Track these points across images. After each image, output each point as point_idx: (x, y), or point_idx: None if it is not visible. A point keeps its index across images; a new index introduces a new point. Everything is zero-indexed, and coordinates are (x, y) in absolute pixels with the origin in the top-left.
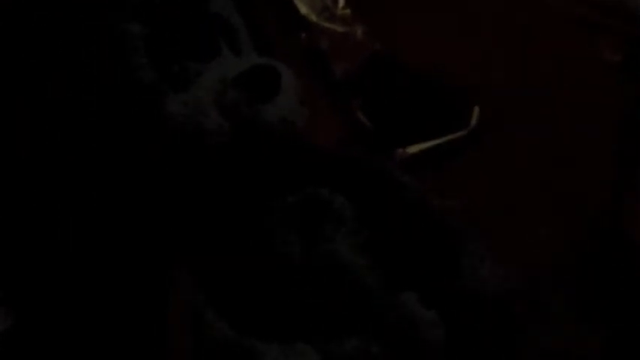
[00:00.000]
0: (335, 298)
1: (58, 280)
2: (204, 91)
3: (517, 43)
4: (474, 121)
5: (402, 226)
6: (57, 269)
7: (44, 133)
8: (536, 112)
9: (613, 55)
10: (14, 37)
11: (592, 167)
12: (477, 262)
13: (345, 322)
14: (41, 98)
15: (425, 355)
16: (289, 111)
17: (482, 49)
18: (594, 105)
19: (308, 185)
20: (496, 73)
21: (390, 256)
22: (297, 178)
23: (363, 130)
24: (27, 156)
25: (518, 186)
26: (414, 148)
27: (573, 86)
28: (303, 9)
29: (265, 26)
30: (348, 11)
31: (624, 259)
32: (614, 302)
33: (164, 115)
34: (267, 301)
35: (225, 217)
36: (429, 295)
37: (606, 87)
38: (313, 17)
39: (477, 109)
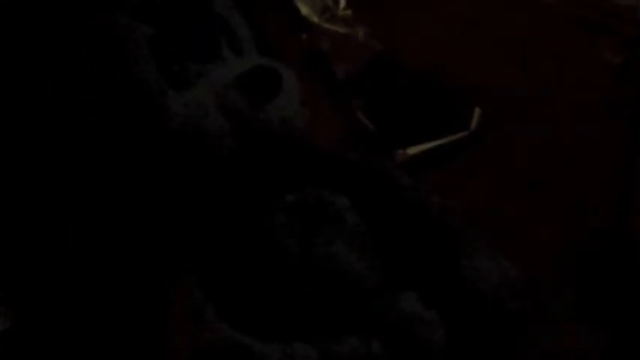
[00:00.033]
0: (335, 298)
1: (57, 280)
2: (205, 92)
3: (517, 43)
4: (474, 121)
5: (402, 227)
6: (57, 269)
7: (44, 133)
8: (536, 112)
9: (613, 55)
10: (14, 37)
11: (592, 167)
12: (477, 262)
13: (345, 322)
14: (41, 98)
15: (425, 355)
16: (290, 112)
17: (482, 50)
18: (594, 105)
19: (308, 186)
20: (496, 74)
21: (390, 256)
22: (298, 179)
23: (364, 130)
24: (27, 156)
25: (519, 186)
26: (414, 149)
27: (573, 86)
28: (304, 10)
29: (266, 27)
30: (349, 12)
31: (624, 259)
32: (615, 302)
33: (165, 116)
34: (266, 300)
35: (226, 218)
36: (429, 295)
37: (606, 87)
38: (314, 18)
39: (477, 110)
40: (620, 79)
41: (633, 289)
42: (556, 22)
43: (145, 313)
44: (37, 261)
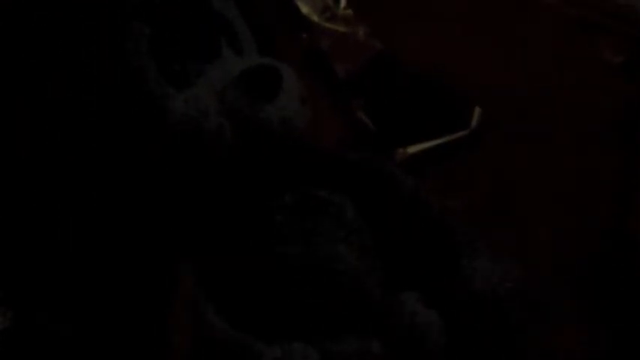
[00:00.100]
0: (335, 297)
1: (57, 280)
2: (205, 91)
3: (517, 43)
4: (474, 121)
5: (402, 226)
6: (57, 269)
7: (44, 133)
8: (536, 112)
9: (613, 55)
10: (14, 37)
11: (592, 167)
12: (477, 262)
13: (345, 322)
14: (41, 98)
15: (425, 355)
16: (290, 111)
17: (482, 50)
18: (594, 105)
19: (308, 185)
20: (497, 74)
21: (390, 256)
22: (298, 178)
23: (364, 130)
24: (27, 156)
25: (518, 186)
26: (414, 148)
27: (573, 87)
28: (305, 9)
29: (267, 26)
30: (349, 11)
31: (624, 259)
32: (615, 302)
33: (165, 115)
34: (267, 300)
35: (226, 217)
36: (429, 294)
37: (606, 87)
38: (314, 17)
39: (477, 110)
40: (621, 79)
41: (633, 289)
42: (556, 22)
43: (145, 313)
44: (37, 261)
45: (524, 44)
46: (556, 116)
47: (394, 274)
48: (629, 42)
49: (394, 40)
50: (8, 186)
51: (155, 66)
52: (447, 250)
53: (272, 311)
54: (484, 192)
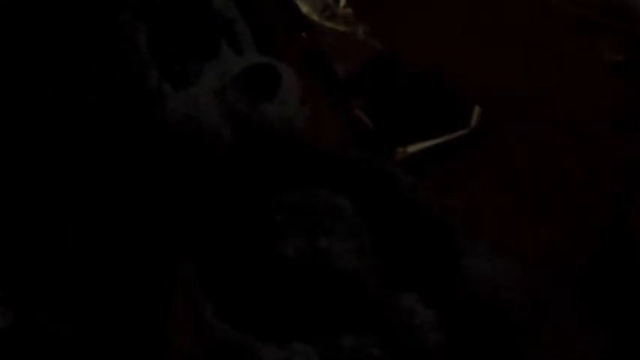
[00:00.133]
0: (334, 297)
1: (57, 280)
2: (204, 90)
3: (517, 43)
4: (474, 120)
5: (402, 226)
6: (57, 269)
7: (44, 133)
8: (536, 112)
9: (613, 55)
10: (14, 37)
11: (592, 167)
12: (476, 262)
13: (345, 322)
14: (41, 98)
15: (425, 356)
16: (289, 111)
17: (482, 49)
18: (595, 105)
19: (308, 185)
20: (496, 73)
21: (390, 255)
22: (298, 178)
23: (364, 129)
24: (27, 156)
25: (518, 186)
26: (414, 148)
27: (574, 86)
28: (304, 8)
29: (266, 25)
30: (349, 10)
31: (624, 259)
32: (615, 302)
33: (164, 114)
34: (267, 300)
35: (226, 217)
36: (429, 295)
37: (606, 87)
38: (314, 16)
39: (477, 109)
40: (621, 79)
41: (633, 289)
42: (556, 22)
43: (145, 313)
44: (37, 261)
45: (524, 44)
46: (556, 116)
47: (394, 274)
48: (629, 41)
49: (394, 39)
50: (8, 186)
51: (155, 65)
52: (447, 250)
53: (272, 311)
54: (484, 191)
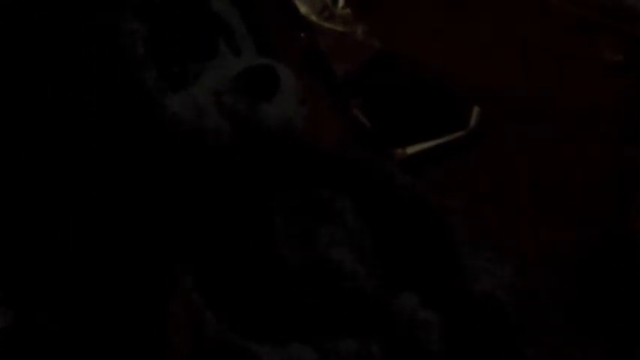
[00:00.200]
0: (334, 298)
1: (57, 280)
2: (203, 91)
3: (517, 43)
4: (473, 121)
5: (401, 226)
6: (57, 269)
7: (44, 133)
8: (536, 112)
9: (613, 55)
10: (14, 37)
11: (592, 167)
12: (476, 263)
13: (345, 323)
14: (41, 98)
15: (425, 356)
16: (288, 111)
17: (482, 50)
18: (594, 105)
19: (308, 185)
20: (496, 73)
21: (390, 256)
22: (297, 178)
23: (362, 129)
24: (27, 156)
25: (519, 186)
26: (413, 148)
27: (574, 86)
28: (303, 8)
29: (265, 26)
30: (347, 11)
31: (624, 259)
32: (615, 302)
33: (164, 115)
34: (266, 301)
35: (226, 218)
36: (428, 295)
37: (606, 87)
38: (313, 17)
39: (476, 109)
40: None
41: (633, 289)
42: (556, 22)
43: (145, 313)
44: (37, 261)
45: (524, 44)
46: (556, 116)
47: (394, 275)
48: (629, 42)
49: (393, 39)
50: (8, 186)
51: (154, 66)
52: (447, 250)
53: (271, 312)
54: (483, 191)
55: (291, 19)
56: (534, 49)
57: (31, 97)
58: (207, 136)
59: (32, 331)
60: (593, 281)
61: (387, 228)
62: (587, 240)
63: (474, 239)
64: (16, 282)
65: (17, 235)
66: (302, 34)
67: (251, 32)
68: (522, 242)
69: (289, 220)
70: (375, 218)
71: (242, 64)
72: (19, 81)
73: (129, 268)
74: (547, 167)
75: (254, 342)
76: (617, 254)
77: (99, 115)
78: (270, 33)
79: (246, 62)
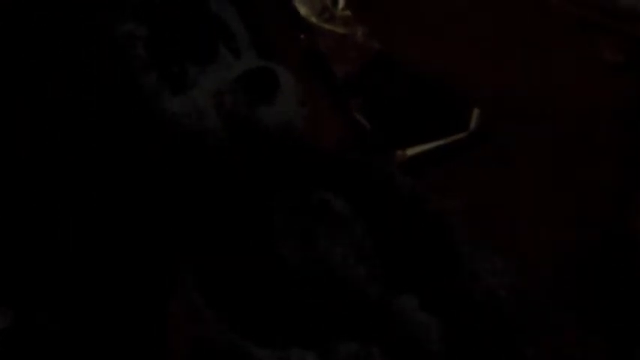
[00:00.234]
0: (334, 299)
1: (57, 280)
2: (203, 93)
3: (517, 43)
4: (473, 122)
5: (401, 228)
6: (57, 269)
7: (44, 133)
8: (536, 112)
9: (613, 55)
10: (14, 37)
11: (592, 167)
12: (476, 264)
13: (344, 325)
14: (41, 98)
15: (425, 357)
16: (288, 113)
17: (482, 51)
18: (594, 105)
19: (308, 187)
20: (497, 74)
21: (390, 258)
22: (297, 180)
23: (362, 131)
24: (27, 156)
25: (519, 186)
26: (413, 150)
27: (573, 86)
28: (303, 10)
29: (265, 28)
30: (347, 12)
31: (624, 259)
32: (615, 302)
33: (163, 116)
34: (266, 302)
35: (225, 219)
36: (429, 296)
37: (606, 87)
38: (313, 18)
39: (476, 111)
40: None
41: (633, 289)
42: (556, 22)
43: (145, 313)
44: (37, 261)
45: (524, 44)
46: (556, 116)
47: (393, 276)
48: (629, 42)
49: (393, 41)
50: (8, 186)
51: (154, 68)
52: (447, 251)
53: (271, 313)
54: (483, 192)
55: (291, 21)
56: (534, 49)
57: (31, 97)
58: (207, 137)
59: (32, 331)
60: (593, 281)
61: (386, 229)
62: (587, 240)
63: (474, 239)
64: (16, 282)
65: (17, 235)
66: (302, 36)
67: (251, 34)
68: (522, 242)
69: (289, 220)
70: (375, 219)
71: (242, 66)
72: (19, 81)
73: (129, 268)
74: (547, 168)
75: (253, 346)
76: (617, 254)
77: (99, 116)
78: (270, 34)
79: (246, 64)
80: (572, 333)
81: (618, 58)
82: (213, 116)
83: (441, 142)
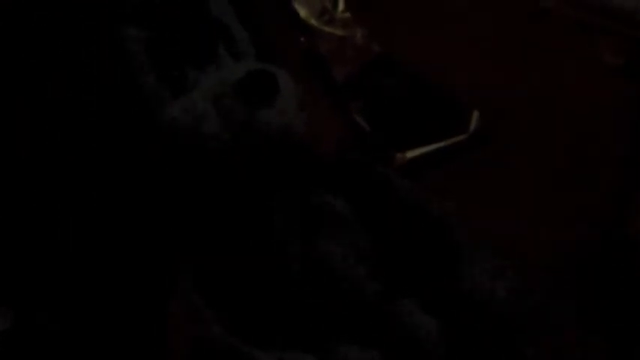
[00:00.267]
0: (333, 302)
1: (57, 281)
2: (203, 96)
3: (517, 45)
4: (473, 124)
5: (401, 230)
6: (57, 269)
7: (44, 133)
8: (536, 115)
9: (613, 56)
10: (14, 37)
11: (593, 168)
12: (476, 265)
13: (344, 328)
14: (41, 98)
15: (425, 358)
16: (288, 116)
17: (482, 53)
18: (595, 107)
19: (308, 189)
20: (496, 76)
21: (390, 261)
22: (297, 182)
23: (362, 133)
24: (27, 156)
25: (519, 186)
26: (413, 152)
27: (574, 88)
28: (303, 12)
29: (265, 30)
30: (347, 14)
31: (624, 259)
32: (615, 303)
33: (163, 120)
34: (266, 304)
35: (226, 220)
36: (429, 299)
37: (606, 88)
38: (313, 20)
39: (476, 113)
40: (621, 80)
41: (633, 289)
42: (556, 23)
43: (144, 314)
44: (37, 261)
45: (524, 45)
46: (556, 116)
47: (393, 279)
48: (629, 43)
49: (393, 43)
50: (8, 186)
51: (154, 71)
52: (446, 253)
53: (271, 315)
54: (484, 195)
55: (290, 23)
56: (534, 50)
57: (31, 98)
58: (207, 140)
59: (32, 331)
60: (593, 281)
61: (386, 232)
62: (587, 240)
63: (474, 240)
64: (16, 282)
65: (17, 235)
66: (302, 38)
67: (250, 36)
68: (522, 242)
69: (289, 220)
70: (374, 222)
71: (242, 68)
72: (19, 82)
73: (129, 268)
74: (547, 169)
75: (252, 349)
76: (617, 254)
77: (99, 118)
78: (269, 37)
79: (245, 67)
80: (572, 333)
81: (618, 60)
82: (213, 119)
83: (440, 145)
